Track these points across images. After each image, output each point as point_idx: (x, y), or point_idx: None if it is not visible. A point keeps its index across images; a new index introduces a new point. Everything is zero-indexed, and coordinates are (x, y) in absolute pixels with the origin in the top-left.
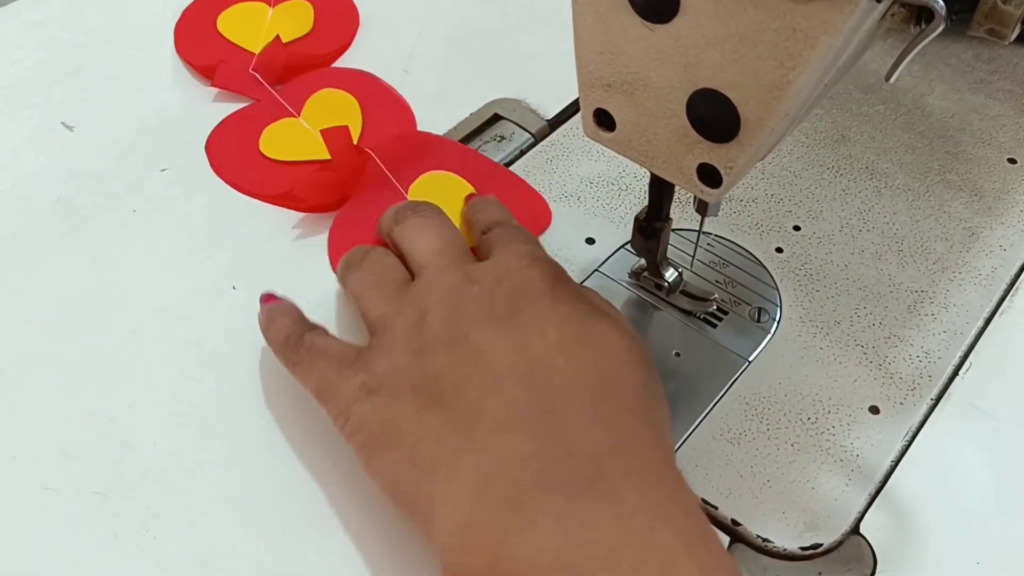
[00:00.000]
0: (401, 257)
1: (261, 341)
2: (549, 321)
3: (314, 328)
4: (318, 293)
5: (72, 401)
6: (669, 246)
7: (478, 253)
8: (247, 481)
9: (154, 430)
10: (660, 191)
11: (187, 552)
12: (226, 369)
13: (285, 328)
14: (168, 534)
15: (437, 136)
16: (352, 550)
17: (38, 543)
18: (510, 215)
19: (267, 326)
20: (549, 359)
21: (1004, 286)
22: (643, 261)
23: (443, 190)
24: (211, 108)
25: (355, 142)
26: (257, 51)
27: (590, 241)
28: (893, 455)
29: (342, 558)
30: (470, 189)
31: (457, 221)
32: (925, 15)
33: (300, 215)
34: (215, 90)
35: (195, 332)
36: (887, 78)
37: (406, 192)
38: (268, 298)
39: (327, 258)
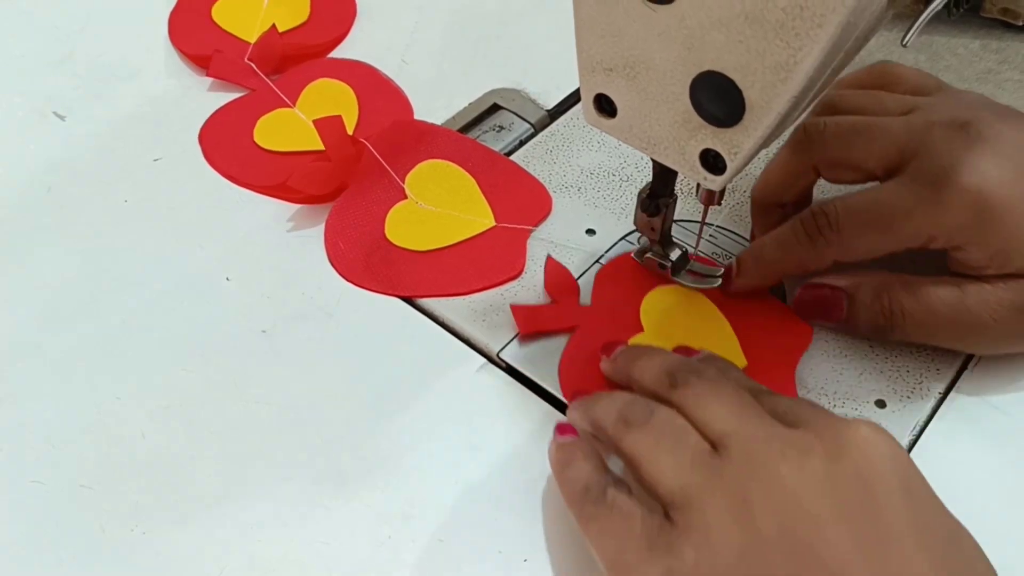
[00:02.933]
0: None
1: (253, 332)
2: (914, 536)
3: (617, 482)
4: (313, 285)
5: (60, 392)
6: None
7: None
8: (237, 475)
9: (143, 422)
10: (665, 167)
11: (175, 548)
12: (217, 361)
13: (586, 476)
14: (156, 529)
15: (433, 125)
16: (344, 543)
17: (24, 537)
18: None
19: (562, 466)
20: None
21: None
22: (647, 240)
23: (440, 179)
24: (205, 98)
25: (351, 133)
26: (252, 40)
27: (590, 232)
28: None
29: (334, 549)
30: (468, 178)
31: (464, 210)
32: None
33: (295, 206)
34: (209, 80)
35: (186, 323)
36: (902, 42)
37: (403, 182)
38: (564, 429)
39: (323, 250)
